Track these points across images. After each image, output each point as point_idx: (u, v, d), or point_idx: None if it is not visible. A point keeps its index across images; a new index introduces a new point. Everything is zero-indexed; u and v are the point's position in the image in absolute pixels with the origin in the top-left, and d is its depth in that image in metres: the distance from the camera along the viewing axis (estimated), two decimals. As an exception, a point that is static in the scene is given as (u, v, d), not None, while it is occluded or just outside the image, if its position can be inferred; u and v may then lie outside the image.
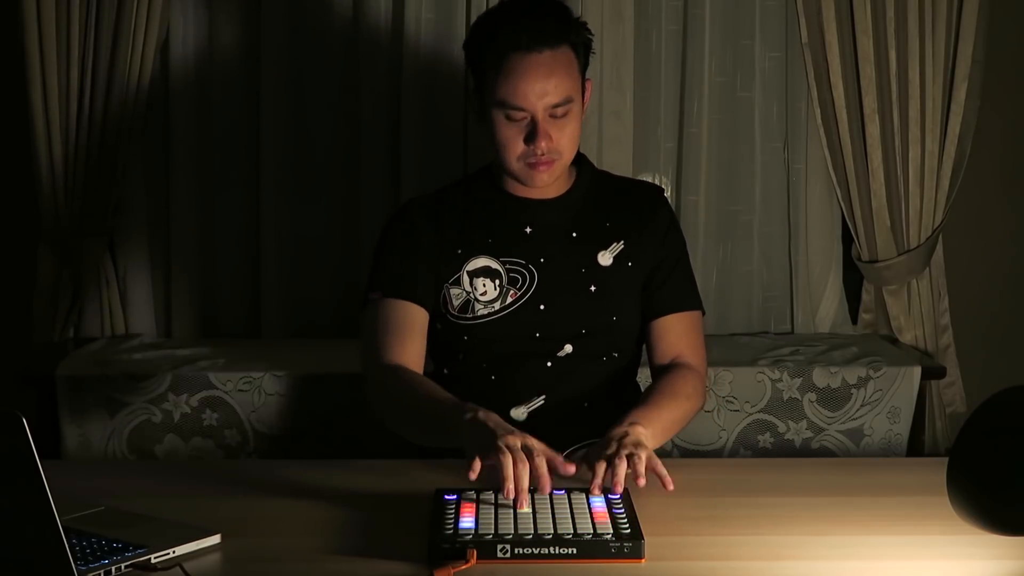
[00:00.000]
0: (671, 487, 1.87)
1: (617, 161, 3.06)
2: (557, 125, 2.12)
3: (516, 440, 1.80)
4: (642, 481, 1.83)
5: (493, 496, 1.78)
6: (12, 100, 3.07)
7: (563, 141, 2.13)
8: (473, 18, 3.03)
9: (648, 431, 1.97)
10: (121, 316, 3.16)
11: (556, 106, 2.10)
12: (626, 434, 1.92)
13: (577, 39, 2.15)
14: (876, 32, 3.03)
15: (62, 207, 3.03)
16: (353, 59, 3.12)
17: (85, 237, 3.06)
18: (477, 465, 1.79)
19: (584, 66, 2.18)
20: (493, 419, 1.87)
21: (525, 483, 1.75)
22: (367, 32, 3.09)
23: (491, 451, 1.78)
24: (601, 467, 1.85)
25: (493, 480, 1.78)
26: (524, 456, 1.77)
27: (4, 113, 3.17)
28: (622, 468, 1.84)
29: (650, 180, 3.13)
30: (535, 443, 1.82)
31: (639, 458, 1.85)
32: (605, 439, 1.94)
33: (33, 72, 2.97)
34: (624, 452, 1.86)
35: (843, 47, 3.04)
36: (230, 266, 3.21)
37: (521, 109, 2.10)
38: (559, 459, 1.84)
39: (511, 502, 1.74)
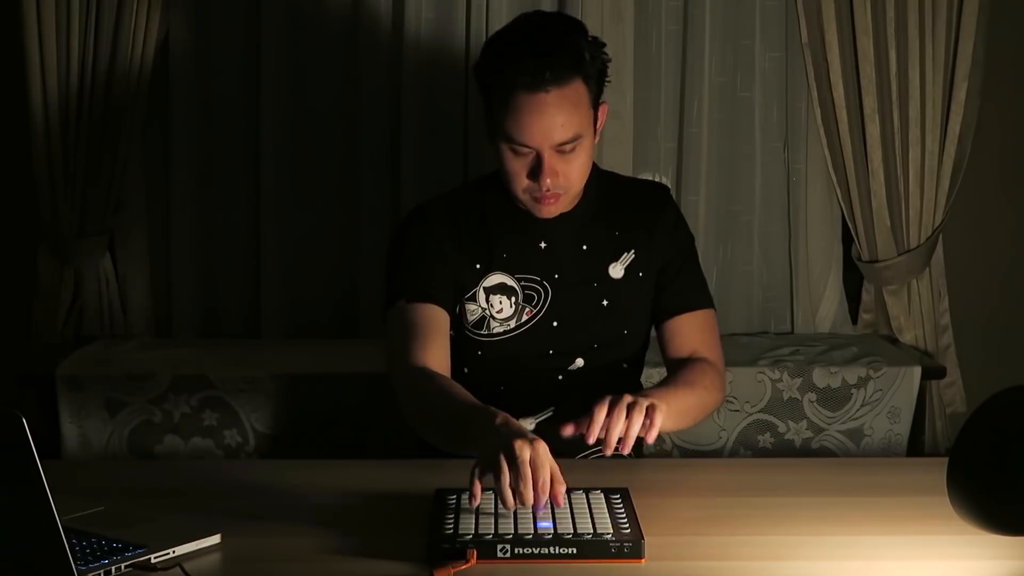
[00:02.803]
0: (651, 439, 1.84)
1: (617, 161, 3.06)
2: (564, 160, 2.05)
3: (525, 452, 1.70)
4: (626, 450, 1.81)
5: (493, 497, 1.78)
6: (12, 100, 3.07)
7: (571, 175, 2.07)
8: (473, 18, 3.05)
9: (661, 405, 1.91)
10: (121, 316, 3.16)
11: (563, 143, 2.04)
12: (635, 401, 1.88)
13: (590, 70, 2.04)
14: (876, 32, 3.03)
15: (62, 207, 3.03)
16: (353, 59, 3.12)
17: (85, 237, 3.06)
18: (478, 491, 1.73)
19: (597, 95, 2.09)
20: (510, 428, 1.78)
21: (529, 498, 1.68)
22: (367, 32, 3.09)
23: (492, 469, 1.72)
24: (600, 413, 1.82)
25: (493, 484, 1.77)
26: (527, 471, 1.69)
27: (4, 113, 3.17)
28: (617, 427, 1.81)
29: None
30: (542, 456, 1.72)
31: (639, 408, 1.82)
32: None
33: (33, 72, 2.97)
34: (623, 404, 1.83)
35: (843, 47, 3.04)
36: (230, 266, 3.21)
37: (526, 146, 2.04)
38: (558, 496, 1.73)
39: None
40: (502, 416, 1.82)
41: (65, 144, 3.01)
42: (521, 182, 2.08)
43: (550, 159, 2.04)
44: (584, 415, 1.88)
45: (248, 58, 3.13)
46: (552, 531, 1.67)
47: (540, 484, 1.68)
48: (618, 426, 1.82)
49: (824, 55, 3.05)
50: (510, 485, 1.68)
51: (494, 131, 2.08)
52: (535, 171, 2.05)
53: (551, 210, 2.12)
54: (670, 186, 3.17)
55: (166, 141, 3.15)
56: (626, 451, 1.82)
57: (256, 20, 3.10)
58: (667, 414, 1.94)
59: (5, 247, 3.27)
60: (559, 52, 2.01)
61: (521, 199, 2.11)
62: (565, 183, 2.08)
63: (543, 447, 1.72)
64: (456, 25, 3.08)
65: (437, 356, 2.11)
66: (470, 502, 1.73)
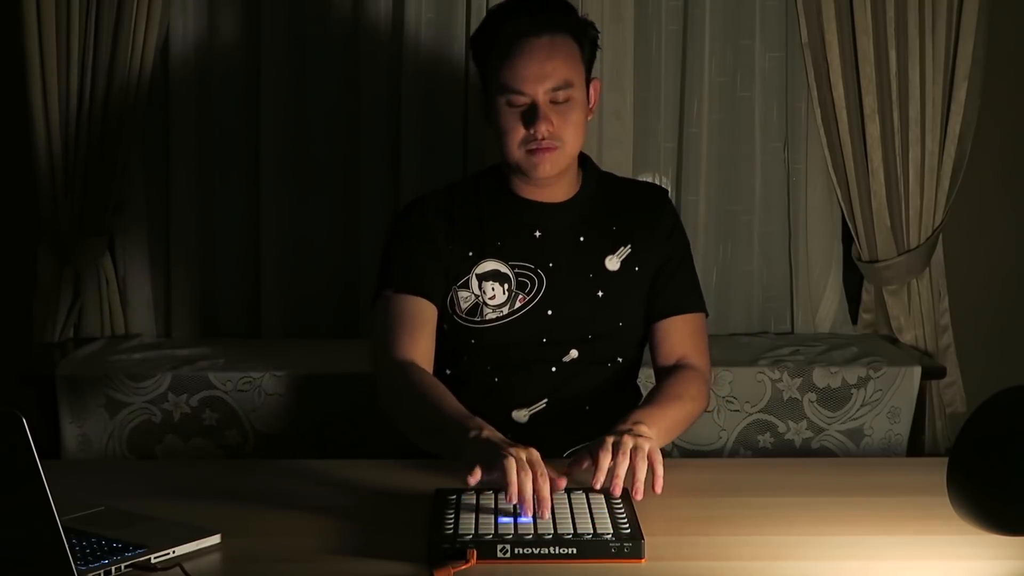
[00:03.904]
0: (659, 489, 1.86)
1: (617, 161, 3.06)
2: (558, 111, 2.12)
3: (521, 453, 1.77)
4: (639, 496, 1.82)
5: (493, 496, 1.78)
6: (12, 100, 3.07)
7: (565, 129, 2.13)
8: (473, 18, 3.06)
9: (652, 430, 1.95)
10: (121, 316, 3.16)
11: (556, 89, 2.11)
12: (629, 430, 1.91)
13: (580, 32, 2.18)
14: (876, 32, 3.03)
15: (62, 207, 3.03)
16: (353, 59, 3.12)
17: (85, 237, 3.06)
18: (478, 472, 1.76)
19: (589, 59, 2.20)
20: (497, 437, 1.85)
21: (529, 491, 1.71)
22: (367, 32, 3.09)
23: (494, 461, 1.76)
24: (605, 459, 1.84)
25: (494, 481, 1.77)
26: (528, 467, 1.74)
27: (4, 113, 3.17)
28: (623, 467, 1.83)
29: (650, 180, 3.13)
30: (537, 459, 1.78)
31: (641, 452, 1.84)
32: (609, 434, 1.91)
33: (33, 72, 2.97)
34: (627, 447, 1.85)
35: (843, 47, 3.04)
36: (230, 266, 3.21)
37: (522, 93, 2.11)
38: (560, 482, 1.80)
39: (512, 508, 1.73)
40: (488, 428, 1.87)
41: (65, 144, 3.01)
42: (517, 135, 2.14)
43: (544, 107, 2.12)
44: (582, 450, 1.91)
45: (248, 58, 3.13)
46: (552, 531, 1.67)
47: (539, 491, 1.71)
48: (623, 469, 1.84)
49: (824, 55, 3.05)
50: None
51: (491, 93, 2.16)
52: (530, 119, 2.12)
53: (546, 167, 2.15)
54: (670, 186, 3.18)
55: (166, 141, 3.14)
56: (638, 497, 1.82)
57: (256, 21, 3.10)
58: (656, 436, 1.97)
59: (5, 247, 3.27)
60: (551, 5, 2.16)
61: (516, 157, 2.15)
62: (559, 135, 2.13)
63: (535, 452, 1.78)
64: (456, 26, 3.08)
65: (421, 349, 2.15)
66: (468, 481, 1.76)
